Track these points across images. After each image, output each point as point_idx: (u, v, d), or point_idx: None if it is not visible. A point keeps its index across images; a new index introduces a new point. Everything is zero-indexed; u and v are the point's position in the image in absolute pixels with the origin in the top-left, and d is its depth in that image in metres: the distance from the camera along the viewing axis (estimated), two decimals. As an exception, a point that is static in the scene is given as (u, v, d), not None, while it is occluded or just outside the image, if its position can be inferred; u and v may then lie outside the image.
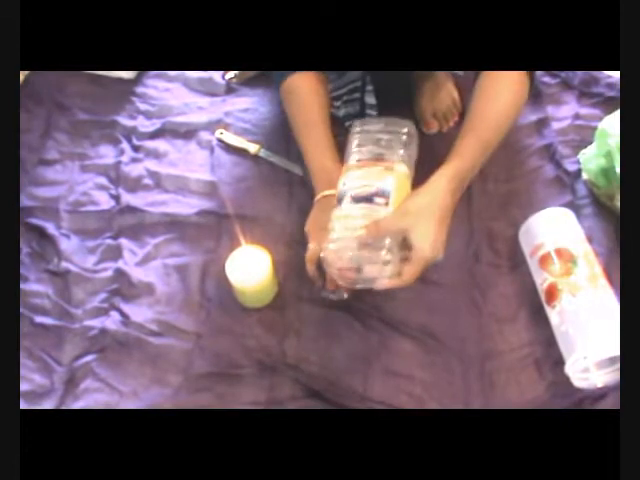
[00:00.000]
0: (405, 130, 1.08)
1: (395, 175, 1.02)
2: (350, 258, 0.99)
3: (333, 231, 1.01)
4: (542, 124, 1.44)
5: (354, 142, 1.09)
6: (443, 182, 0.98)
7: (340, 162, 1.11)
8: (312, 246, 1.07)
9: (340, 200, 1.03)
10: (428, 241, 0.95)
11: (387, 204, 0.99)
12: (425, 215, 0.96)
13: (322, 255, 1.02)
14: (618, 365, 1.02)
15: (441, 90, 1.40)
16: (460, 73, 1.13)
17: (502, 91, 1.07)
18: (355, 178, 1.04)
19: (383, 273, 0.98)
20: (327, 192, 1.10)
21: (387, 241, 0.97)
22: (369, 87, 1.30)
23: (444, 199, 0.97)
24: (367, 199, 1.00)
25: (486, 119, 1.06)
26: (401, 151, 1.05)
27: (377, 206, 0.99)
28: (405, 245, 0.98)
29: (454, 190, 0.99)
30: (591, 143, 1.31)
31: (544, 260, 1.14)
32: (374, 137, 1.08)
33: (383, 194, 1.00)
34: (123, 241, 1.27)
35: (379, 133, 1.08)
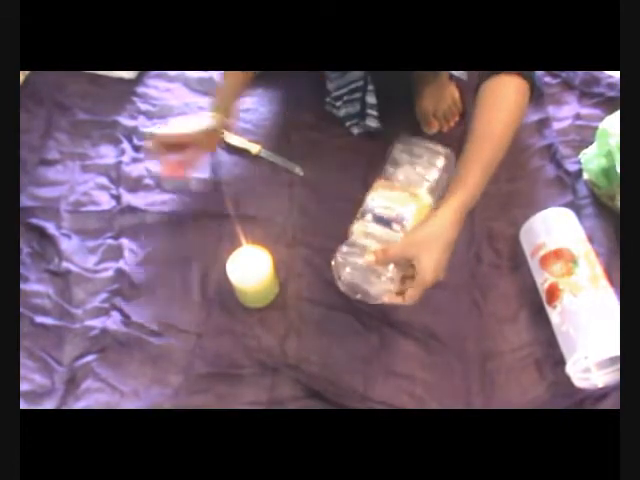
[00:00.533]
0: (442, 158, 1.14)
1: (418, 204, 1.09)
2: (353, 274, 1.04)
3: (351, 238, 1.08)
4: (543, 124, 1.44)
5: (393, 157, 1.17)
6: (449, 214, 1.00)
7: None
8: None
9: (364, 213, 1.10)
10: (431, 269, 0.98)
11: (402, 230, 1.05)
12: (430, 246, 0.99)
13: (334, 260, 1.06)
14: (619, 365, 1.02)
15: (442, 90, 1.40)
16: (463, 78, 1.13)
17: (501, 105, 1.06)
18: (382, 197, 1.10)
19: (382, 293, 1.02)
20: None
21: (390, 267, 1.01)
22: (370, 87, 1.30)
23: (449, 231, 1.00)
24: (386, 222, 1.07)
25: (487, 140, 1.05)
26: (431, 180, 1.12)
27: (393, 232, 1.05)
28: (409, 266, 1.01)
29: (459, 220, 1.01)
30: (592, 143, 1.31)
31: (545, 260, 1.14)
32: (411, 160, 1.14)
33: (402, 221, 1.06)
34: (124, 241, 1.27)
35: (417, 157, 1.14)
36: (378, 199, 1.10)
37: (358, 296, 1.05)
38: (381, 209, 1.08)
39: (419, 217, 1.07)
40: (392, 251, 1.00)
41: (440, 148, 1.16)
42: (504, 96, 1.06)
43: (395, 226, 1.06)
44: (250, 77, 1.31)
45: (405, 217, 1.07)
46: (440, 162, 1.14)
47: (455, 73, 1.12)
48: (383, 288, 1.02)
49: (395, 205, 1.08)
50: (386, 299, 1.02)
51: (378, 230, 1.07)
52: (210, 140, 1.23)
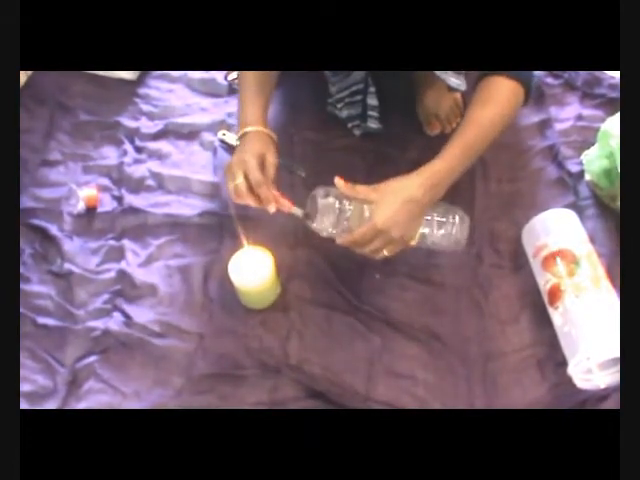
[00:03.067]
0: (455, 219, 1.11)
1: None
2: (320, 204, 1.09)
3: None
4: (545, 125, 1.44)
5: None
6: (418, 177, 1.05)
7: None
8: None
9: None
10: (384, 216, 1.02)
11: None
12: (391, 197, 1.03)
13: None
14: (621, 366, 1.02)
15: (444, 92, 1.40)
16: (462, 88, 1.13)
17: (492, 100, 1.10)
18: None
19: (336, 227, 1.09)
20: (250, 128, 1.15)
21: (348, 206, 1.07)
22: (371, 89, 1.30)
23: (415, 189, 1.03)
24: None
25: (473, 126, 1.09)
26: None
27: None
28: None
29: (429, 186, 1.04)
30: (594, 144, 1.31)
31: (547, 261, 1.14)
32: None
33: None
34: (126, 242, 1.27)
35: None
36: None
37: (324, 233, 1.09)
38: None
39: None
40: (359, 187, 1.05)
41: (455, 209, 1.13)
42: (497, 94, 1.10)
43: None
44: (273, 78, 1.26)
45: None
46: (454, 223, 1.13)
47: (454, 84, 1.12)
48: (338, 223, 1.08)
49: None
50: (338, 239, 1.07)
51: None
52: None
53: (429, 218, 1.09)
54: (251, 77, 1.20)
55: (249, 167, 1.08)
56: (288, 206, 1.10)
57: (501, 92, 1.10)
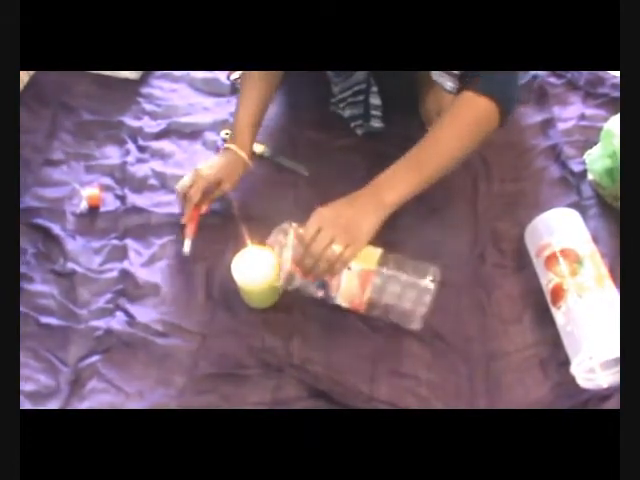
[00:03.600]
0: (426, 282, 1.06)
1: None
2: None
3: None
4: (547, 125, 1.44)
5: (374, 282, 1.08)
6: (363, 192, 1.07)
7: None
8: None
9: None
10: (321, 211, 1.05)
11: None
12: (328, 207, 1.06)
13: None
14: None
15: (446, 92, 1.40)
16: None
17: (459, 119, 1.07)
18: None
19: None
20: (233, 147, 1.27)
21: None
22: (374, 88, 1.30)
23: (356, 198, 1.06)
24: None
25: (429, 142, 1.07)
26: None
27: None
28: None
29: (370, 202, 1.05)
30: (596, 144, 1.31)
31: (550, 260, 1.14)
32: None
33: None
34: (129, 242, 1.28)
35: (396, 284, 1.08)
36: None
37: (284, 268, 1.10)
38: None
39: None
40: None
41: (426, 267, 1.09)
42: (466, 113, 1.07)
43: None
44: (268, 98, 1.32)
45: None
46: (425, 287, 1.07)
47: (449, 87, 1.13)
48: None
49: None
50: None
51: None
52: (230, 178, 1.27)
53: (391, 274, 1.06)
54: (251, 92, 1.28)
55: (197, 184, 1.21)
56: (187, 234, 1.24)
57: (471, 112, 1.07)
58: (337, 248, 1.01)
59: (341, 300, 1.11)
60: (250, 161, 1.27)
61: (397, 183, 1.06)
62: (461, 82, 1.09)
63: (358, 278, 1.07)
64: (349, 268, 1.05)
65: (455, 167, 1.10)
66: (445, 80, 1.12)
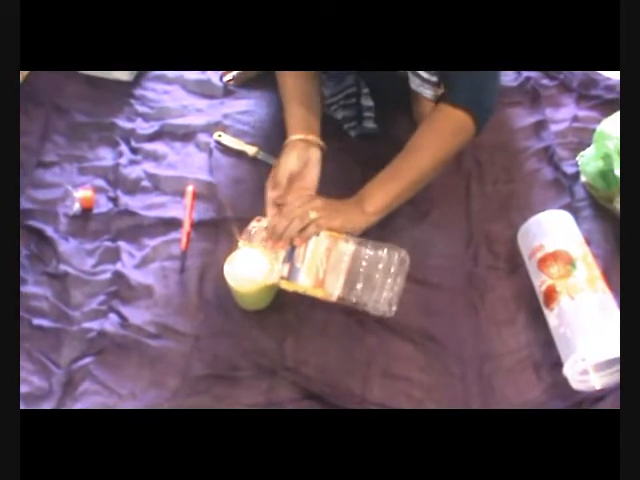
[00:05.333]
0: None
1: None
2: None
3: None
4: (540, 126, 1.45)
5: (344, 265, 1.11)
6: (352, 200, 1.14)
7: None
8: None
9: None
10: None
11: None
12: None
13: None
14: (617, 367, 1.02)
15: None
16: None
17: (436, 131, 1.15)
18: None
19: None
20: (299, 136, 1.20)
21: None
22: (365, 90, 1.30)
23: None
24: None
25: (410, 153, 1.14)
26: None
27: None
28: None
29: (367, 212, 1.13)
30: (589, 145, 1.31)
31: (543, 262, 1.14)
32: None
33: None
34: (121, 243, 1.27)
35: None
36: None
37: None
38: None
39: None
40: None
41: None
42: (443, 126, 1.14)
43: None
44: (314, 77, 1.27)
45: None
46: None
47: (430, 95, 1.14)
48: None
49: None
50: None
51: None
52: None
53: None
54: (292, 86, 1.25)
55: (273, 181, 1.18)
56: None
57: (447, 124, 1.14)
58: (312, 214, 1.09)
59: (305, 275, 1.10)
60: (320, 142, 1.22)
61: (378, 193, 1.13)
62: (438, 91, 1.13)
63: (326, 245, 1.09)
64: (317, 235, 1.09)
65: (435, 175, 1.17)
66: (424, 89, 1.13)
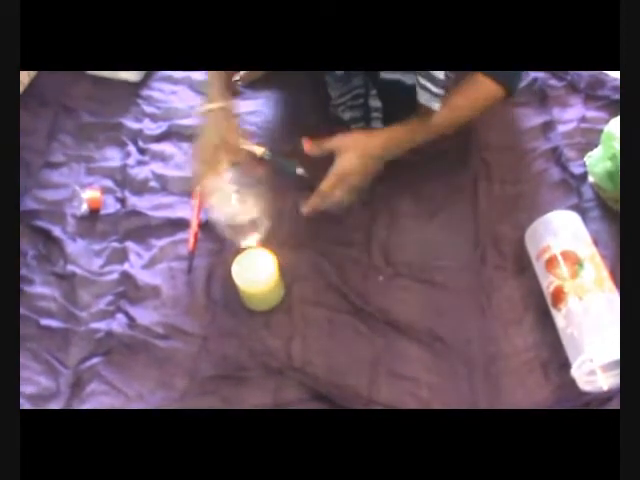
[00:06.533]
0: None
1: None
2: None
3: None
4: (548, 127, 1.44)
5: None
6: (379, 138, 1.20)
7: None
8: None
9: None
10: (345, 164, 1.17)
11: None
12: (352, 149, 1.18)
13: None
14: (624, 368, 1.02)
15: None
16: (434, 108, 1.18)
17: (469, 93, 1.20)
18: None
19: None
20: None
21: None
22: (373, 91, 1.30)
23: (374, 149, 1.19)
24: None
25: (445, 109, 1.16)
26: None
27: None
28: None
29: (386, 147, 1.20)
30: (597, 146, 1.31)
31: (550, 263, 1.14)
32: None
33: None
34: (129, 244, 1.28)
35: None
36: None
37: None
38: None
39: None
40: (323, 144, 1.20)
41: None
42: (476, 90, 1.21)
43: None
44: None
45: None
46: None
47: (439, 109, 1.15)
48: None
49: None
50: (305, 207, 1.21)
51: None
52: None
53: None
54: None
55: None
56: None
57: (478, 89, 1.20)
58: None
59: None
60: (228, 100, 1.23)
61: (409, 142, 1.22)
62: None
63: None
64: None
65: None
66: (434, 104, 1.13)
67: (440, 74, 1.08)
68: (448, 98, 1.15)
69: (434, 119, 1.17)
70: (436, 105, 1.13)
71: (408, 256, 1.20)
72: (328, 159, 1.21)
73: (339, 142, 1.19)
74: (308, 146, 1.21)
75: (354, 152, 1.17)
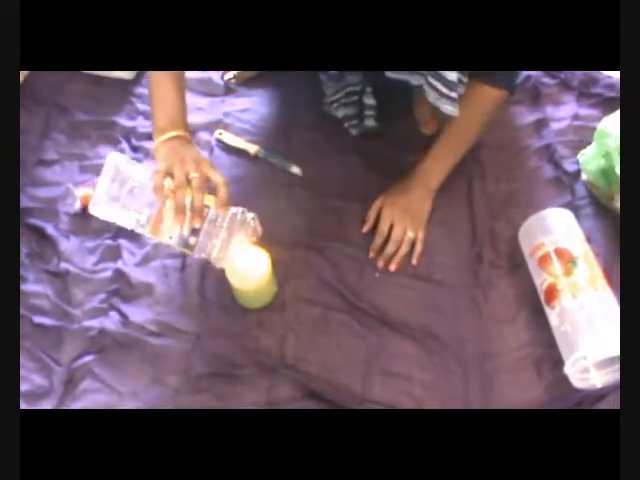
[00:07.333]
0: None
1: None
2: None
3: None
4: (541, 125, 1.44)
5: None
6: (417, 189, 1.28)
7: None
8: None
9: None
10: (384, 222, 1.25)
11: None
12: (394, 206, 1.26)
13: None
14: (617, 365, 1.02)
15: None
16: (455, 114, 1.17)
17: (474, 106, 1.23)
18: None
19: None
20: (174, 133, 1.13)
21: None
22: (368, 89, 1.30)
23: (417, 202, 1.27)
24: None
25: (455, 129, 1.28)
26: None
27: None
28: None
29: (425, 192, 1.28)
30: (590, 144, 1.31)
31: (543, 260, 1.14)
32: None
33: None
34: (122, 242, 1.27)
35: None
36: None
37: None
38: None
39: None
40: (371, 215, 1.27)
41: None
42: (479, 100, 1.24)
43: None
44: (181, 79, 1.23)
45: None
46: None
47: (447, 110, 1.14)
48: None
49: None
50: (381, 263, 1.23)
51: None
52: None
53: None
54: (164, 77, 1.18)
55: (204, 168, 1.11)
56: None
57: (483, 99, 1.24)
58: (410, 234, 1.23)
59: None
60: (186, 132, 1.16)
61: (439, 169, 1.29)
62: (456, 105, 1.16)
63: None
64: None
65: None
66: (442, 104, 1.13)
67: (452, 75, 1.09)
68: (454, 117, 1.18)
69: (449, 143, 1.28)
70: (445, 107, 1.14)
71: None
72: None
73: (381, 202, 1.28)
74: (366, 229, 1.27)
75: (395, 209, 1.25)
